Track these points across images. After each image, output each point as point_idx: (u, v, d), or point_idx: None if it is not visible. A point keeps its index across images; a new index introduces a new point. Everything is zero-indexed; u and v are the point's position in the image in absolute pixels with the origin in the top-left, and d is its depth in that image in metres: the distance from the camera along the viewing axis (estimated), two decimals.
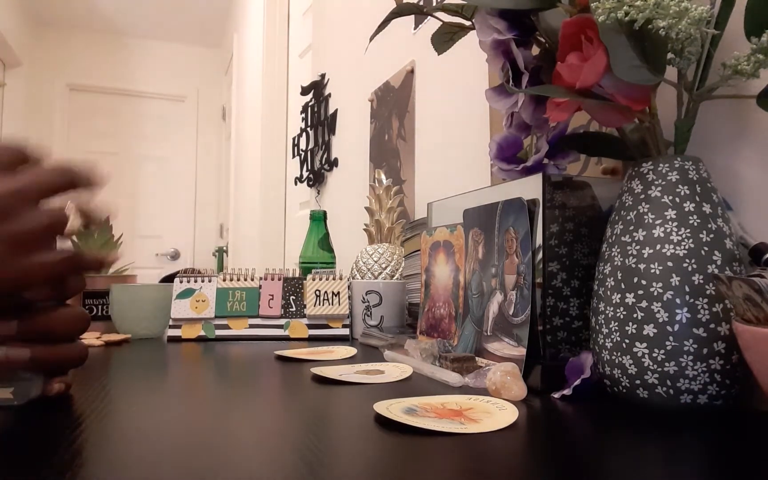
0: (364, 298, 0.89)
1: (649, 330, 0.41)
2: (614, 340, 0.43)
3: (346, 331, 0.88)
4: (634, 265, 0.42)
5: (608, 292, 0.44)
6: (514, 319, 0.53)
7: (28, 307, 0.42)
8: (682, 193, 0.42)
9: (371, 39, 0.66)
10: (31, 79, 3.85)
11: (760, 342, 0.34)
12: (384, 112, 1.40)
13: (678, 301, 0.40)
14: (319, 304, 0.89)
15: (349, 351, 0.73)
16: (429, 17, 0.91)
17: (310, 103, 2.04)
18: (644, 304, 0.41)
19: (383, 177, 1.08)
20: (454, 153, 1.06)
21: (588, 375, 0.46)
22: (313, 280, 0.91)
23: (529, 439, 0.35)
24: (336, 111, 1.80)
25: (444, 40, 0.64)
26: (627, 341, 0.42)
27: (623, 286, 0.43)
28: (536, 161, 0.58)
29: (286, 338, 0.87)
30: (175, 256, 4.26)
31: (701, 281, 0.40)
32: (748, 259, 0.44)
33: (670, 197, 0.42)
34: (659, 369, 0.41)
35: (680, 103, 0.46)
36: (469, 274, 0.62)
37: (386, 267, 0.95)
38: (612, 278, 0.44)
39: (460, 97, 1.05)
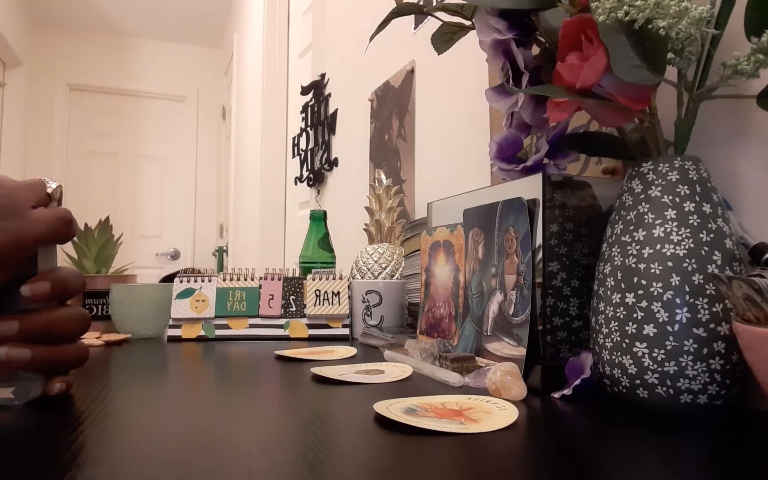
0: (364, 298, 0.89)
1: (649, 330, 0.41)
2: (614, 340, 0.43)
3: (346, 331, 0.88)
4: (634, 265, 0.42)
5: (608, 292, 0.44)
6: (514, 319, 0.53)
7: (29, 307, 0.42)
8: (682, 193, 0.42)
9: (371, 39, 0.66)
10: (31, 79, 3.84)
11: (760, 342, 0.34)
12: (384, 112, 1.40)
13: (678, 301, 0.40)
14: (319, 304, 0.89)
15: (349, 351, 0.73)
16: (429, 17, 0.91)
17: (310, 103, 2.04)
18: (644, 304, 0.41)
19: (383, 177, 1.08)
20: (454, 153, 1.06)
21: (588, 375, 0.46)
22: (313, 279, 0.91)
23: (529, 439, 0.35)
24: (336, 111, 1.80)
25: (444, 40, 0.64)
26: (627, 341, 0.42)
27: (623, 286, 0.43)
28: (536, 161, 0.58)
29: (286, 338, 0.87)
30: (175, 256, 4.26)
31: (701, 281, 0.40)
32: (748, 259, 0.44)
33: (670, 197, 0.42)
34: (659, 369, 0.41)
35: (680, 103, 0.46)
36: (469, 274, 0.62)
37: (386, 267, 0.95)
38: (612, 278, 0.44)
39: (460, 97, 1.05)
